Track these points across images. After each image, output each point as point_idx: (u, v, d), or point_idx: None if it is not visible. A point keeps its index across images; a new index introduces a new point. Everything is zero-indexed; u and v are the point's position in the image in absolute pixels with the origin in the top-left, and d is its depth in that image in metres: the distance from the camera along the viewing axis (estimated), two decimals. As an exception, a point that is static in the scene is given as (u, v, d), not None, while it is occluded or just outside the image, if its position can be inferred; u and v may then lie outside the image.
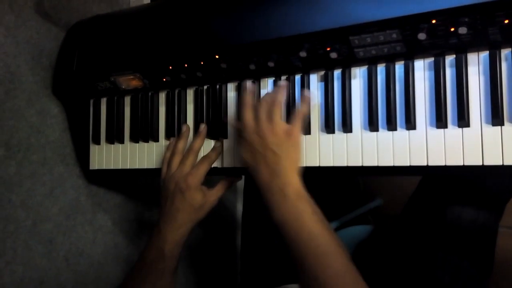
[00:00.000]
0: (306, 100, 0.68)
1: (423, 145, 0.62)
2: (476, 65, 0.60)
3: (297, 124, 0.66)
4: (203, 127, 0.77)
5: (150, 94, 0.84)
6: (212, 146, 0.78)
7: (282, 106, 0.68)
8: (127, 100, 0.87)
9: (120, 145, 0.87)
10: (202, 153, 0.78)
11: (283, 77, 0.72)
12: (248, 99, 0.68)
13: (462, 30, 0.56)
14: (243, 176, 0.88)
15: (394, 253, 0.83)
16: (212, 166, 0.77)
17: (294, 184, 0.63)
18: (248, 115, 0.67)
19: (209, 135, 0.78)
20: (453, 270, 0.73)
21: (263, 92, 0.74)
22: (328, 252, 0.59)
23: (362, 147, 0.65)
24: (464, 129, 0.59)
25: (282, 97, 0.67)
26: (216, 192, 0.76)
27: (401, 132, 0.63)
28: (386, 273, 0.82)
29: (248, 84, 0.70)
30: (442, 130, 0.61)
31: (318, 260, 0.59)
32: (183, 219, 0.74)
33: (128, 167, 0.86)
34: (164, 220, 0.74)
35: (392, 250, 0.85)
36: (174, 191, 0.74)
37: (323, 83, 0.70)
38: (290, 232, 0.62)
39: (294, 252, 0.61)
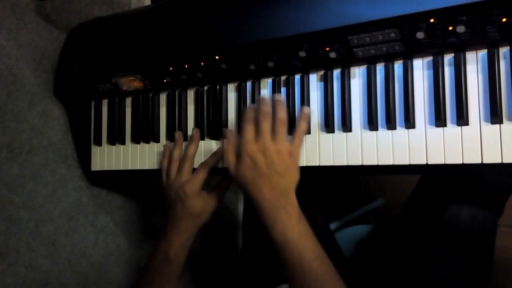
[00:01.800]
0: (305, 117, 0.68)
1: (423, 143, 0.62)
2: (475, 63, 0.60)
3: (298, 143, 0.66)
4: (195, 131, 0.77)
5: (151, 95, 0.84)
6: (212, 147, 0.78)
7: (286, 124, 0.67)
8: (128, 101, 0.87)
9: (122, 146, 0.87)
10: (203, 155, 0.78)
11: (283, 77, 0.73)
12: (251, 113, 0.68)
13: (460, 28, 0.56)
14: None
15: (394, 252, 0.84)
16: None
17: (295, 204, 0.65)
18: (251, 131, 0.67)
19: (210, 136, 0.78)
20: (453, 268, 0.73)
21: (263, 92, 0.75)
22: (329, 270, 0.62)
23: (362, 146, 0.66)
24: (463, 127, 0.60)
25: (285, 113, 0.67)
26: (216, 196, 0.77)
27: (401, 131, 0.63)
28: (387, 271, 0.83)
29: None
30: (441, 128, 0.61)
31: (322, 277, 0.61)
32: (186, 225, 0.74)
33: (130, 168, 0.86)
34: (169, 226, 0.75)
35: (392, 248, 0.85)
36: (175, 200, 0.74)
37: (322, 82, 0.70)
38: (293, 252, 0.62)
39: (295, 274, 0.62)
